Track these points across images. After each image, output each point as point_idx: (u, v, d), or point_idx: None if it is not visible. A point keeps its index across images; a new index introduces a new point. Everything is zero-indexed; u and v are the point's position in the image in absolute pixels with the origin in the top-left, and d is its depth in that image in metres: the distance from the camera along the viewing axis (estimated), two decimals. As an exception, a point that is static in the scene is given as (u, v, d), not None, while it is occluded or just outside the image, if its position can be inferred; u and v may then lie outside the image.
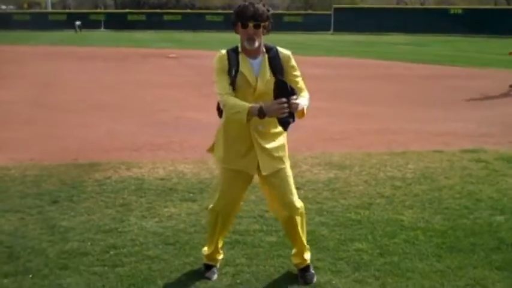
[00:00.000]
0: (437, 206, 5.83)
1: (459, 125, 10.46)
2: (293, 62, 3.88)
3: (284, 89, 3.59)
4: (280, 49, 3.87)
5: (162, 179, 6.66)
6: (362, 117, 11.40)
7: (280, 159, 3.98)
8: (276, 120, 3.69)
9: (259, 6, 3.73)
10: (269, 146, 3.90)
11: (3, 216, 5.36)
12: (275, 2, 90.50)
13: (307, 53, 27.42)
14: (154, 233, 5.00)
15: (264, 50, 3.84)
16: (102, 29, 60.91)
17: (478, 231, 5.12)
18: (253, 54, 3.81)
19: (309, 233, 4.98)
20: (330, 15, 63.08)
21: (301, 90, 3.83)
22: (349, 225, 5.23)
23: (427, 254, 4.64)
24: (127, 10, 70.71)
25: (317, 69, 20.50)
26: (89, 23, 62.60)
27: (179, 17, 64.99)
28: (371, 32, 55.39)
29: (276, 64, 3.81)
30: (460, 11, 59.31)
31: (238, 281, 4.15)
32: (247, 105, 3.61)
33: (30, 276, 4.17)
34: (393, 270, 4.33)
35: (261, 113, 3.56)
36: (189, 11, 71.01)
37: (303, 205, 4.08)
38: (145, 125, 10.29)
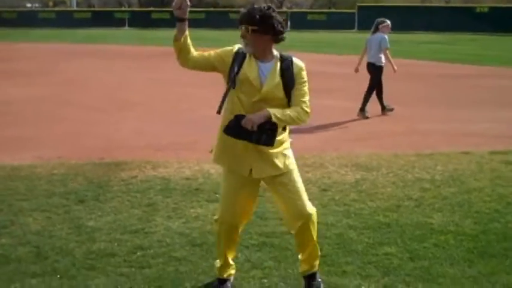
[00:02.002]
0: (467, 209, 5.72)
1: (488, 126, 10.30)
2: (303, 75, 3.73)
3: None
4: (294, 60, 3.74)
5: (187, 179, 6.65)
6: (388, 117, 11.27)
7: (276, 166, 3.77)
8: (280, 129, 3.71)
9: (258, 8, 3.61)
10: (266, 150, 3.72)
11: (30, 215, 5.38)
12: (298, 1, 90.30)
13: (331, 51, 27.23)
14: (181, 234, 4.98)
15: (279, 57, 3.72)
16: (127, 27, 61.24)
17: (510, 236, 5.02)
18: (263, 58, 3.71)
19: (337, 235, 4.95)
20: (353, 13, 62.67)
21: (297, 103, 3.69)
22: (377, 228, 5.16)
23: (458, 258, 4.55)
24: (151, 8, 71.01)
25: (341, 67, 20.32)
26: (114, 22, 63.04)
27: (202, 15, 64.98)
28: (395, 31, 54.98)
29: (289, 75, 3.68)
30: (486, 10, 58.53)
31: (266, 284, 4.10)
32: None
33: (58, 276, 4.17)
34: (423, 275, 4.25)
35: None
36: (212, 9, 71.14)
37: (315, 211, 3.92)
38: (171, 124, 10.29)
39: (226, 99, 3.77)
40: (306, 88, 3.73)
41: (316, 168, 7.12)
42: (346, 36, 49.08)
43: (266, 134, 3.59)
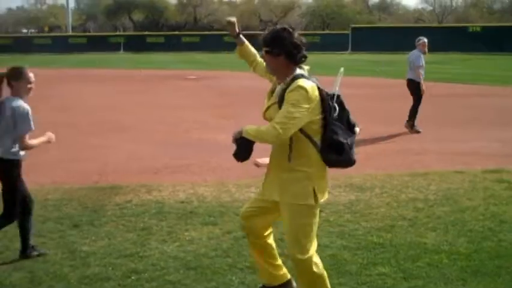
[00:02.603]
0: (461, 228, 5.75)
1: (481, 145, 10.36)
2: (295, 95, 3.48)
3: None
4: (298, 80, 3.55)
5: (182, 202, 6.66)
6: (382, 137, 11.33)
7: (279, 192, 3.67)
8: (296, 153, 3.61)
9: (272, 29, 3.68)
10: (278, 174, 3.69)
11: (25, 241, 5.37)
12: (293, 22, 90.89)
13: (324, 73, 27.39)
14: (175, 258, 4.99)
15: (289, 79, 3.60)
16: (122, 51, 61.52)
17: (503, 254, 5.04)
18: (279, 80, 3.70)
19: (330, 256, 4.97)
20: (347, 34, 63.16)
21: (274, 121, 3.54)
22: (371, 249, 5.18)
23: (452, 277, 4.57)
24: (146, 33, 71.44)
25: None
26: (109, 46, 63.35)
27: (197, 39, 65.43)
28: (390, 51, 55.37)
29: (283, 93, 3.57)
30: (479, 29, 59.07)
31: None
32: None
33: (52, 302, 4.17)
34: (417, 294, 4.26)
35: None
36: (207, 32, 71.58)
37: (307, 257, 3.69)
38: (165, 147, 10.32)
39: None
40: (291, 109, 3.46)
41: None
42: (340, 57, 49.38)
43: (238, 147, 3.68)
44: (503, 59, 38.24)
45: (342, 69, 3.73)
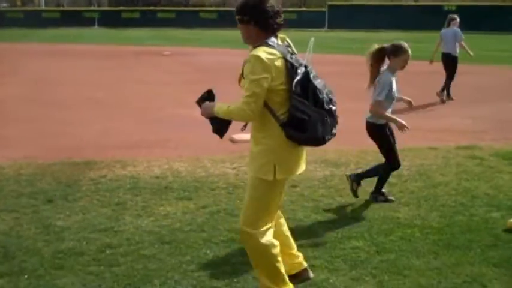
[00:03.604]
0: (433, 203, 5.83)
1: (454, 121, 10.48)
2: (245, 66, 3.41)
3: (203, 95, 3.75)
4: (255, 49, 3.45)
5: (157, 178, 6.64)
6: (354, 113, 11.30)
7: (252, 166, 3.60)
8: (260, 125, 3.52)
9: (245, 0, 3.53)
10: (252, 149, 3.63)
11: (-3, 216, 5.33)
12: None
13: (301, 50, 27.34)
14: (150, 232, 4.98)
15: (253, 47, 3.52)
16: (96, 26, 60.65)
17: (474, 228, 5.13)
18: (252, 48, 3.56)
19: (305, 230, 5.02)
20: (324, 12, 63.04)
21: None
22: (345, 223, 5.23)
23: (424, 251, 4.64)
24: (121, 8, 70.47)
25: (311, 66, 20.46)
26: (83, 21, 62.41)
27: (173, 15, 64.70)
28: (366, 29, 55.43)
29: (243, 64, 3.49)
30: (454, 8, 59.35)
31: (235, 280, 4.13)
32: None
33: (26, 276, 4.15)
34: (390, 268, 4.32)
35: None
36: (183, 8, 70.88)
37: (258, 231, 3.58)
38: (140, 123, 10.26)
39: None
40: (251, 85, 3.36)
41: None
42: (317, 34, 49.27)
43: (213, 125, 3.71)
44: (479, 38, 38.47)
45: (312, 39, 3.64)
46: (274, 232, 3.76)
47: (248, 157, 3.70)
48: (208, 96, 3.74)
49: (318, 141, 3.53)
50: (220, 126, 3.70)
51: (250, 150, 3.65)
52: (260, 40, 3.51)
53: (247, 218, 3.61)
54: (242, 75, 3.51)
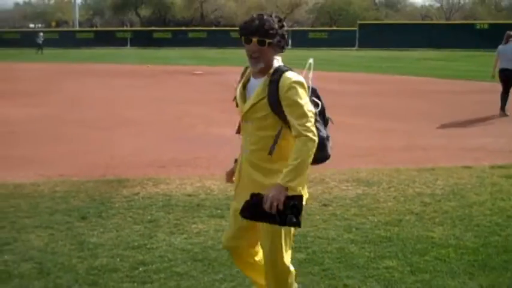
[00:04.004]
0: (468, 222, 5.74)
1: (488, 141, 10.33)
2: (290, 92, 3.17)
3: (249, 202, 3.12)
4: (286, 73, 3.22)
5: (189, 195, 6.68)
6: (389, 133, 11.31)
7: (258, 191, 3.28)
8: (264, 154, 3.29)
9: (269, 18, 3.20)
10: (253, 178, 3.36)
11: (33, 232, 5.41)
12: (299, 19, 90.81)
13: (331, 69, 27.39)
14: (182, 250, 5.00)
15: (272, 71, 3.27)
16: (129, 46, 61.59)
17: (510, 249, 5.03)
18: (257, 74, 3.32)
19: (338, 250, 4.97)
20: (354, 31, 63.09)
21: (295, 131, 3.15)
22: (378, 243, 5.17)
23: (459, 272, 4.56)
24: (153, 28, 71.55)
25: (341, 84, 20.45)
26: (115, 41, 63.47)
27: (204, 34, 65.52)
28: (397, 48, 55.26)
29: (272, 89, 3.21)
30: (486, 26, 58.87)
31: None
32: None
33: (61, 292, 4.19)
34: (424, 288, 4.26)
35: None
36: (214, 28, 71.64)
37: (289, 268, 3.48)
38: (172, 141, 10.34)
39: None
40: (302, 108, 3.15)
41: (317, 183, 7.14)
42: (347, 53, 49.26)
43: (291, 212, 3.04)
44: (510, 56, 38.13)
45: (310, 60, 3.39)
46: (245, 263, 3.74)
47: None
48: (257, 199, 3.14)
49: (328, 157, 3.45)
50: (297, 210, 3.06)
51: (258, 182, 3.33)
52: (271, 61, 3.29)
53: (285, 254, 3.44)
54: (252, 105, 3.31)
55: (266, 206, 3.06)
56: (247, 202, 3.18)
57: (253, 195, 3.15)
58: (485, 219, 5.83)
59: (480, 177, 7.54)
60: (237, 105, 3.47)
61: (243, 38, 3.26)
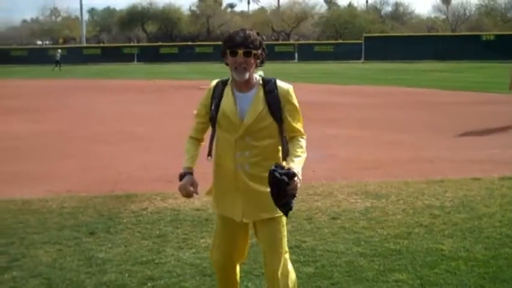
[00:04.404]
0: (478, 235, 5.70)
1: (497, 152, 10.28)
2: (292, 98, 3.43)
3: (276, 183, 3.13)
4: (279, 82, 3.43)
5: (197, 210, 6.66)
6: (396, 145, 11.29)
7: (267, 209, 3.43)
8: (266, 163, 3.34)
9: (251, 32, 3.37)
10: (256, 190, 3.44)
11: (41, 248, 5.41)
12: (305, 32, 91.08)
13: (338, 82, 27.43)
14: (191, 265, 4.98)
15: (261, 82, 3.44)
16: (135, 62, 61.92)
17: (521, 261, 4.98)
18: (244, 88, 3.43)
19: (347, 263, 4.94)
20: (360, 44, 63.21)
21: (295, 131, 3.42)
22: (388, 256, 5.14)
23: (469, 284, 4.52)
24: (159, 43, 71.93)
25: (348, 97, 20.45)
26: (122, 57, 63.85)
27: (211, 49, 65.74)
28: (402, 60, 55.28)
29: (273, 98, 3.39)
30: (492, 37, 58.89)
31: (277, 313, 4.08)
32: (187, 163, 3.84)
33: (69, 308, 4.18)
34: (435, 301, 4.22)
35: (180, 178, 3.70)
36: (220, 42, 72.03)
37: (292, 276, 3.51)
38: (179, 156, 10.27)
39: (214, 141, 3.67)
40: (299, 112, 3.46)
41: (325, 196, 7.12)
42: (353, 66, 49.33)
43: (292, 197, 3.21)
44: (517, 67, 38.09)
45: (260, 72, 3.51)
46: (229, 278, 3.78)
47: (247, 203, 3.53)
48: (280, 179, 3.16)
49: None
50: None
51: (255, 191, 3.46)
52: (253, 73, 3.43)
53: (283, 262, 3.49)
54: (272, 110, 3.41)
55: (292, 187, 3.12)
56: (273, 177, 3.15)
57: (274, 173, 3.14)
58: (495, 231, 5.79)
59: (489, 188, 7.50)
60: (215, 125, 3.57)
61: (228, 51, 3.37)
